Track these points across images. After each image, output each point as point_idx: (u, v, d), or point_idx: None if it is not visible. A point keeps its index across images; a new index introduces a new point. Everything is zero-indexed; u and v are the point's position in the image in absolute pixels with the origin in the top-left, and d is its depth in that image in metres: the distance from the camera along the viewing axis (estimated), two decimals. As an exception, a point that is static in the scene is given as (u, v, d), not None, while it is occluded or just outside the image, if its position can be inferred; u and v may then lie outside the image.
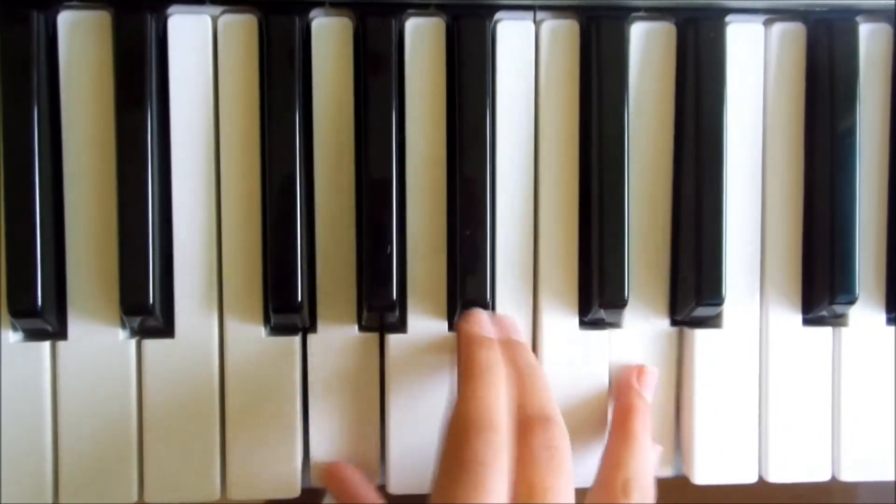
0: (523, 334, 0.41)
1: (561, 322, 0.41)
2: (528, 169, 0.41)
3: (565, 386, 0.42)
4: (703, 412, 0.42)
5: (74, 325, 0.40)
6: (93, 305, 0.40)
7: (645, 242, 0.42)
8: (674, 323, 0.43)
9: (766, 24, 0.42)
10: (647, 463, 0.39)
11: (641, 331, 0.42)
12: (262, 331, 0.41)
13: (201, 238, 0.40)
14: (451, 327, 0.41)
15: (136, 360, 0.40)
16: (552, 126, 0.41)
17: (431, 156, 0.40)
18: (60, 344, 0.40)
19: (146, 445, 0.40)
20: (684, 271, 0.42)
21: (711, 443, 0.42)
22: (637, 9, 0.41)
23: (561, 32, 0.41)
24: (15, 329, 0.40)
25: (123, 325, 0.40)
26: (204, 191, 0.40)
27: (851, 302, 0.41)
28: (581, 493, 0.39)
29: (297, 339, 0.41)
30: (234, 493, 0.41)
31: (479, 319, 0.39)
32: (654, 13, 0.42)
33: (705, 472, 0.42)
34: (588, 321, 0.42)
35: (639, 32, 0.41)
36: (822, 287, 0.42)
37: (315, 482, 0.42)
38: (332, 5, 0.40)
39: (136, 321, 0.40)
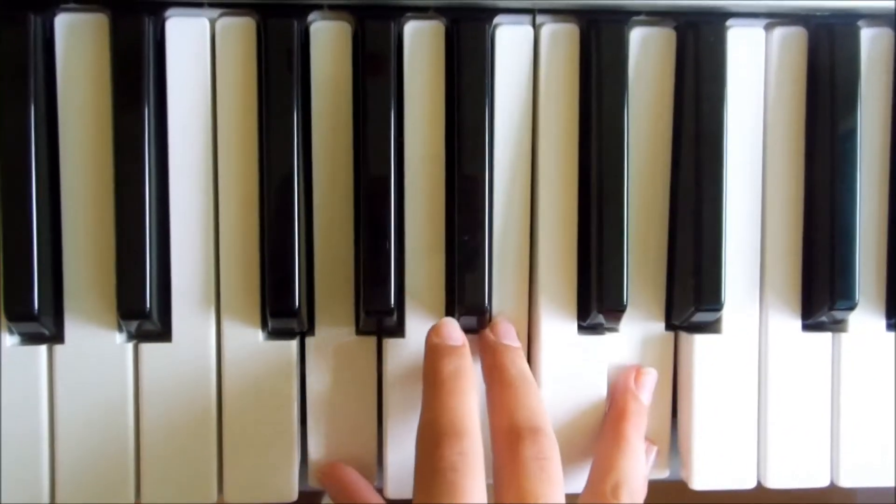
0: (518, 339, 0.41)
1: (559, 327, 0.41)
2: (527, 173, 0.41)
3: (563, 390, 0.41)
4: (702, 417, 0.42)
5: (71, 329, 0.40)
6: (90, 309, 0.40)
7: (644, 247, 0.42)
8: (672, 328, 0.43)
9: (767, 28, 0.42)
10: (638, 465, 0.39)
11: (640, 335, 0.42)
12: (259, 335, 0.40)
13: (199, 242, 0.40)
14: (449, 332, 0.41)
15: (133, 364, 0.40)
16: (551, 130, 0.41)
17: (430, 160, 0.40)
18: (57, 348, 0.40)
19: (143, 449, 0.40)
20: (683, 276, 0.41)
21: (710, 448, 0.42)
22: (637, 13, 0.41)
23: (561, 36, 0.41)
24: (12, 333, 0.40)
25: (120, 329, 0.40)
26: (201, 195, 0.40)
27: (851, 307, 0.41)
28: (576, 498, 0.39)
29: (294, 343, 0.41)
30: (230, 497, 0.41)
31: (443, 331, 0.39)
32: (655, 17, 0.41)
33: (704, 478, 0.42)
34: (586, 326, 0.42)
35: (639, 37, 0.41)
36: (822, 292, 0.41)
37: (313, 484, 0.42)
38: (331, 8, 0.40)
39: (134, 325, 0.40)
